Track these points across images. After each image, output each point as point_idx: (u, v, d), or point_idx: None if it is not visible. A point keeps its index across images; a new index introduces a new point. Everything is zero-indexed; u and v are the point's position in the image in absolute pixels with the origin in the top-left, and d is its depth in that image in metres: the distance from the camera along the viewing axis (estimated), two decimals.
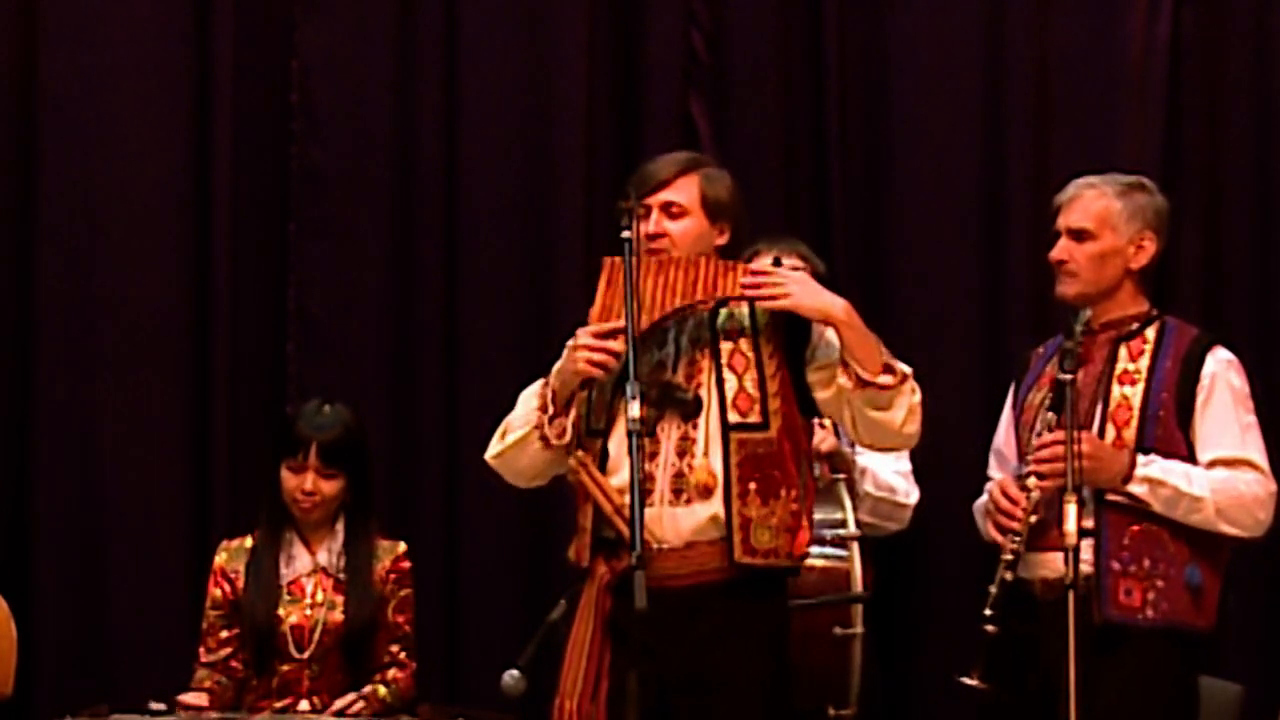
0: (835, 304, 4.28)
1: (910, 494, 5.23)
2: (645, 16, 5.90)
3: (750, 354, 4.31)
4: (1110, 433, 4.61)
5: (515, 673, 4.46)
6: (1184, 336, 4.68)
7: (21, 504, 5.80)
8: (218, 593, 5.10)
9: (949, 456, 5.49)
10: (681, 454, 4.25)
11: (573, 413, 4.29)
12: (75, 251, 5.80)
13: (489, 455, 4.44)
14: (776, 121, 5.89)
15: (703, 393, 4.28)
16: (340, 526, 5.10)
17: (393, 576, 5.08)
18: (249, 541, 5.13)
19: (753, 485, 4.24)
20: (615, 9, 5.91)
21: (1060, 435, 4.47)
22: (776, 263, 5.08)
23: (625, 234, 4.25)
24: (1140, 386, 4.62)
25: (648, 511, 4.18)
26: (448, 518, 5.77)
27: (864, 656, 4.86)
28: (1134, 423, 4.59)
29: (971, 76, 5.84)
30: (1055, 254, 4.73)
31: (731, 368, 4.29)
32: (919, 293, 5.80)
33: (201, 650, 5.10)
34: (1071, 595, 4.31)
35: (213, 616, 5.11)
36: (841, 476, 5.05)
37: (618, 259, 4.29)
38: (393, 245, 5.87)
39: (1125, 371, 4.65)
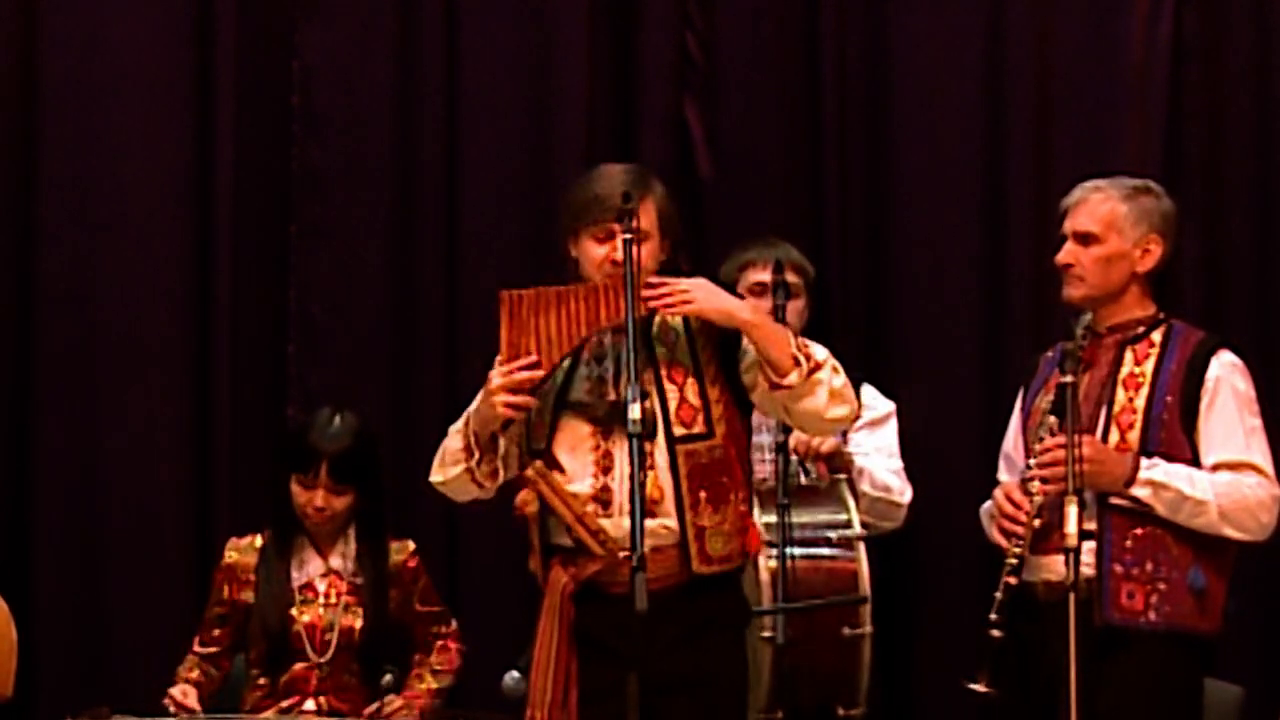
0: (738, 305, 4.33)
1: (905, 492, 5.23)
2: (640, 18, 5.90)
3: (688, 363, 4.32)
4: (1114, 436, 4.61)
5: (515, 674, 4.47)
6: (1189, 340, 4.67)
7: (21, 504, 5.80)
8: (224, 591, 5.10)
9: (948, 458, 5.50)
10: (639, 466, 4.20)
11: (502, 448, 4.30)
12: (75, 252, 5.80)
13: (433, 479, 4.44)
14: (770, 124, 5.89)
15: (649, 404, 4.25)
16: (352, 531, 5.09)
17: (407, 576, 5.10)
18: (258, 541, 5.12)
19: (703, 495, 4.26)
20: (612, 11, 5.91)
21: (1062, 439, 4.47)
22: (779, 268, 5.12)
23: (627, 236, 4.24)
24: (1145, 390, 4.62)
25: (609, 521, 4.23)
26: (448, 518, 5.76)
27: (872, 656, 4.86)
28: (1138, 426, 4.59)
29: (972, 77, 5.84)
30: (1061, 258, 4.73)
31: (672, 379, 4.29)
32: (918, 295, 5.80)
33: (196, 640, 5.11)
34: (1071, 597, 4.31)
35: (214, 613, 5.11)
36: (842, 476, 5.05)
37: (514, 293, 4.30)
38: (393, 246, 5.87)
39: (1130, 375, 4.65)
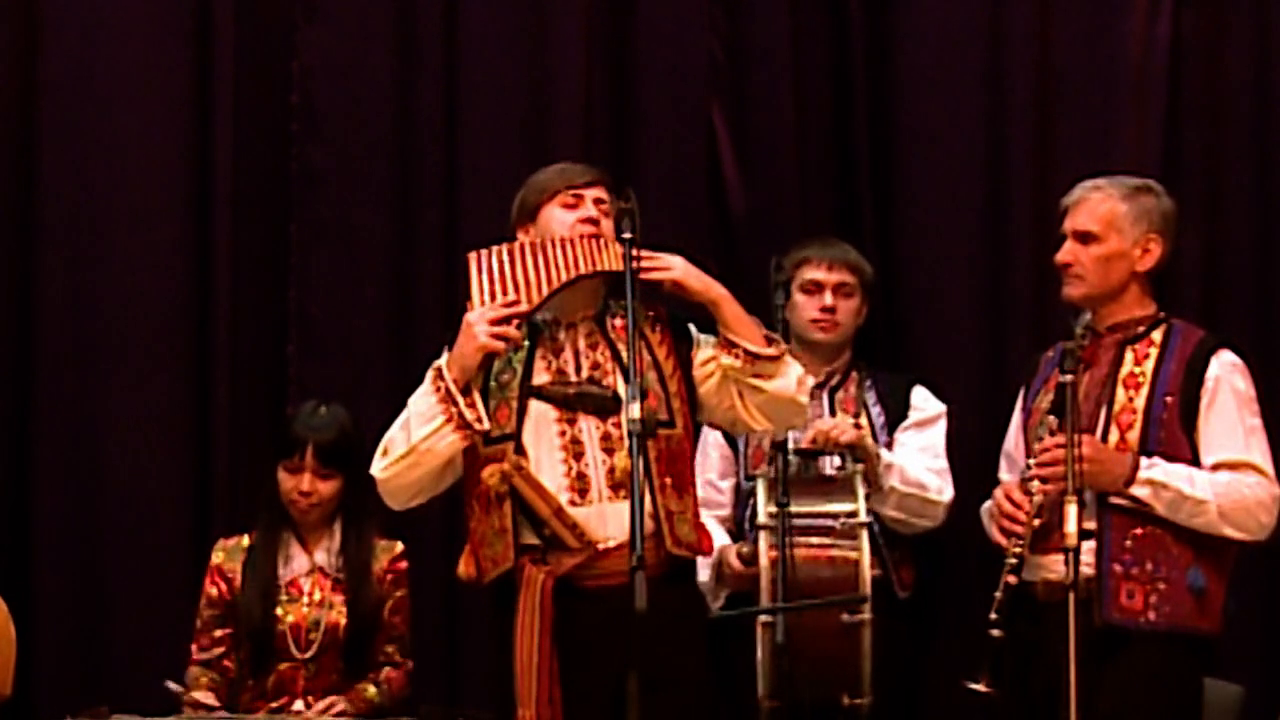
0: (715, 282, 4.35)
1: (944, 491, 5.22)
2: (641, 18, 5.90)
3: (646, 354, 4.32)
4: (1114, 435, 4.62)
5: None
6: (1190, 339, 4.68)
7: (21, 504, 5.79)
8: (214, 591, 5.11)
9: (950, 458, 5.48)
10: (609, 451, 4.25)
11: (478, 398, 4.26)
12: (75, 251, 5.80)
13: (377, 471, 4.37)
14: (793, 126, 5.89)
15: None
16: (338, 527, 5.11)
17: (390, 577, 5.10)
18: (246, 541, 5.14)
19: (668, 480, 4.28)
20: (613, 11, 5.91)
21: (1062, 438, 4.47)
22: (778, 267, 5.15)
23: (626, 235, 4.25)
24: (1144, 389, 4.63)
25: (587, 510, 4.24)
26: (448, 518, 5.75)
27: (875, 644, 4.87)
28: (1138, 425, 4.60)
29: (972, 77, 5.85)
30: (1061, 257, 4.74)
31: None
32: (919, 294, 5.80)
33: (194, 648, 5.11)
34: (1071, 597, 4.31)
35: (207, 615, 5.11)
36: (860, 468, 5.06)
37: (482, 251, 4.31)
38: (393, 246, 5.87)
39: (1130, 374, 4.65)
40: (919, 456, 5.22)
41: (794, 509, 4.90)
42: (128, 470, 5.76)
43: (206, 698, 4.94)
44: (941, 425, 5.31)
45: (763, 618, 4.80)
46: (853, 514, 4.95)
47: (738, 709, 4.90)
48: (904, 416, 5.29)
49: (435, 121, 5.86)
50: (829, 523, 4.94)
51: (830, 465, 5.14)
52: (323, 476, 5.04)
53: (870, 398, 5.31)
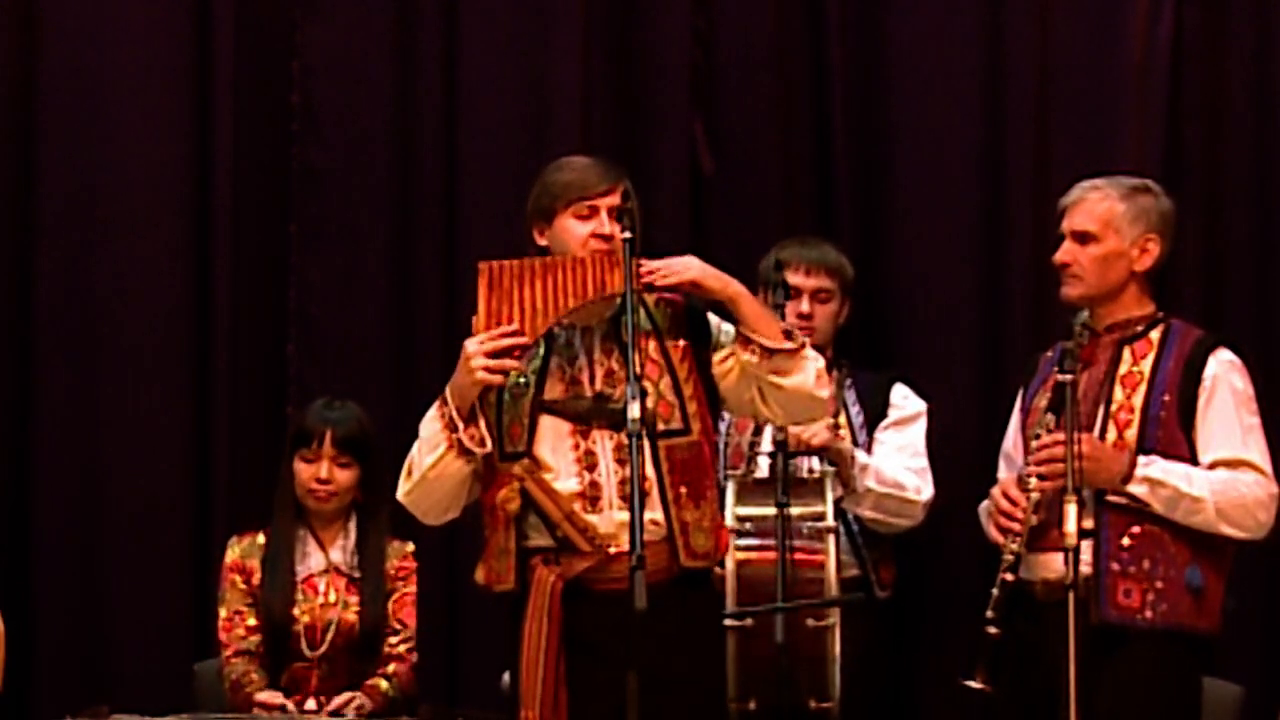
0: (732, 279, 4.32)
1: (922, 490, 5.20)
2: (647, 23, 5.90)
3: (660, 360, 4.31)
4: (1112, 434, 4.62)
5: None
6: (1188, 338, 4.68)
7: (21, 504, 5.80)
8: (239, 579, 5.09)
9: (948, 458, 5.49)
10: (622, 462, 4.22)
11: (482, 422, 4.26)
12: (75, 252, 5.80)
13: (400, 495, 4.39)
14: (771, 125, 5.89)
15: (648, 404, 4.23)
16: (352, 525, 5.12)
17: (400, 575, 5.09)
18: (261, 538, 5.12)
19: (684, 490, 4.26)
20: (615, 13, 5.92)
21: (1060, 436, 4.47)
22: (778, 266, 5.14)
23: (626, 235, 4.24)
24: (1142, 388, 4.63)
25: (598, 518, 4.23)
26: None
27: (845, 646, 4.84)
28: (1135, 424, 4.60)
29: (971, 78, 5.84)
30: (1059, 257, 4.74)
31: (647, 376, 4.26)
32: (919, 296, 5.80)
33: (229, 640, 5.06)
34: (1071, 596, 4.30)
35: (239, 605, 5.07)
36: (831, 470, 5.05)
37: (496, 263, 4.27)
38: (393, 245, 5.88)
39: (1128, 373, 4.66)
40: (897, 456, 5.21)
41: (760, 512, 4.89)
42: (128, 470, 5.77)
43: (274, 697, 4.92)
44: (921, 424, 5.29)
45: (730, 620, 4.78)
46: (820, 516, 4.92)
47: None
48: (884, 415, 5.28)
49: (435, 121, 5.86)
50: (796, 525, 4.92)
51: (805, 468, 5.13)
52: (341, 465, 5.05)
53: (849, 397, 5.29)
